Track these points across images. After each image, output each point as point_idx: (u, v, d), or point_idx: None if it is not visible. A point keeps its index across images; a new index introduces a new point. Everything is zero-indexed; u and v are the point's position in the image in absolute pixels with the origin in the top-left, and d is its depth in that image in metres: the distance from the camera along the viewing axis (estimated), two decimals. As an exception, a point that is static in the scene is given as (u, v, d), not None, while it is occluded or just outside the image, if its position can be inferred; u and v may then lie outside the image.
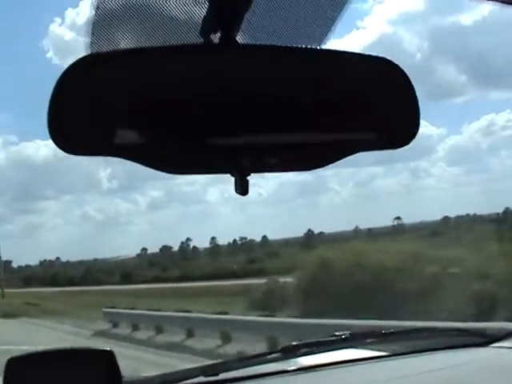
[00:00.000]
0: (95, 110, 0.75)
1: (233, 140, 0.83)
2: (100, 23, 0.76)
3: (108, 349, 1.23)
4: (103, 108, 0.75)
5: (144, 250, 64.96)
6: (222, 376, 1.76)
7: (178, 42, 0.82)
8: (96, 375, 1.19)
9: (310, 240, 49.14)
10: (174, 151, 0.82)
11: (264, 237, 57.95)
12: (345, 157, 0.92)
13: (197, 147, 0.82)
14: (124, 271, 48.82)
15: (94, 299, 26.41)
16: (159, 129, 0.78)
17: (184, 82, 0.78)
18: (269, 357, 1.95)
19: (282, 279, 18.34)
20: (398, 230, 40.36)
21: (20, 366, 1.15)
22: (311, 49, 0.92)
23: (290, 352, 1.90)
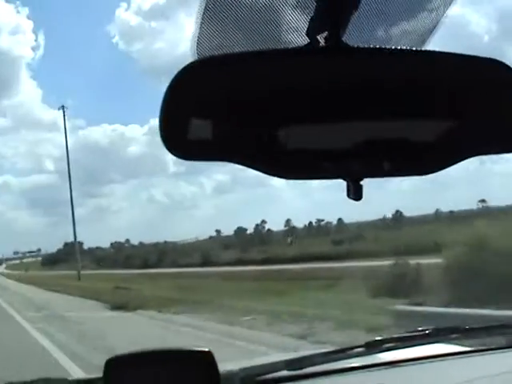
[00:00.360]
0: (206, 115, 0.76)
1: (345, 145, 0.83)
2: (206, 27, 0.78)
3: (207, 349, 1.21)
4: (214, 113, 0.76)
5: (218, 231, 64.49)
6: (306, 370, 1.77)
7: (283, 45, 0.83)
8: (195, 376, 1.18)
9: (398, 222, 47.14)
10: (285, 157, 0.82)
11: (339, 219, 56.33)
12: (461, 161, 0.90)
13: (309, 153, 0.82)
14: (202, 253, 47.64)
15: (186, 282, 24.74)
16: (270, 134, 0.78)
17: (293, 86, 0.78)
18: (352, 351, 1.91)
19: (412, 261, 16.36)
20: (482, 213, 38.10)
21: (119, 366, 1.15)
22: (418, 51, 0.89)
23: (374, 347, 1.90)
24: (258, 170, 0.83)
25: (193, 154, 0.80)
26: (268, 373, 1.73)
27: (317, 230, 59.25)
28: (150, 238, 71.74)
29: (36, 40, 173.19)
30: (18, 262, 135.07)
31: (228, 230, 67.02)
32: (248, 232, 61.25)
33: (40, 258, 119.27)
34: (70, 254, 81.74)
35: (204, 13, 0.77)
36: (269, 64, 0.77)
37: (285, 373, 1.75)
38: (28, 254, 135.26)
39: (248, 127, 0.78)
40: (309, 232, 58.91)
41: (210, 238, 66.55)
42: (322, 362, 1.83)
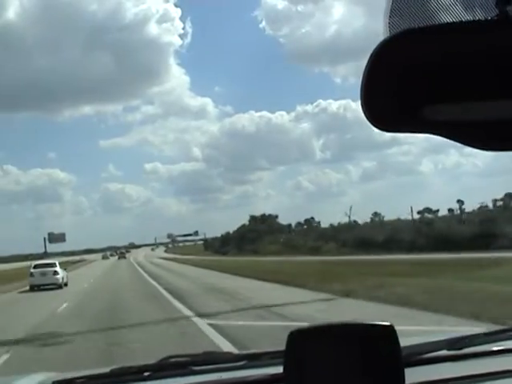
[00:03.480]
0: (405, 86, 0.78)
1: None
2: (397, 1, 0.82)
3: (388, 323, 1.21)
4: (413, 85, 0.78)
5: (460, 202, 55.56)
6: (466, 350, 1.76)
7: (470, 16, 0.81)
8: (375, 351, 1.18)
9: None
10: (487, 128, 0.81)
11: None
12: None
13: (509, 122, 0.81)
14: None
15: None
16: (471, 104, 0.78)
17: (484, 58, 0.77)
18: None
19: None
20: None
21: (300, 339, 1.19)
22: None
23: None
24: (463, 143, 0.83)
25: (395, 125, 0.82)
26: (429, 352, 1.74)
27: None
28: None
29: (184, 28, 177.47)
30: (172, 245, 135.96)
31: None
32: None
33: (199, 243, 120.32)
34: (232, 240, 77.72)
35: None
36: (461, 36, 0.77)
37: (445, 352, 1.75)
38: (181, 238, 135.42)
39: (449, 99, 0.78)
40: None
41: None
42: (484, 343, 1.81)
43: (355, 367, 1.17)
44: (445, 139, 0.85)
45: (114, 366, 1.78)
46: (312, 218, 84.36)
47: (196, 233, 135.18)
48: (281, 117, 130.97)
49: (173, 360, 1.83)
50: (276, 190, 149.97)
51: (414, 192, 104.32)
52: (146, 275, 32.19)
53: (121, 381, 1.74)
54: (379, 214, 63.83)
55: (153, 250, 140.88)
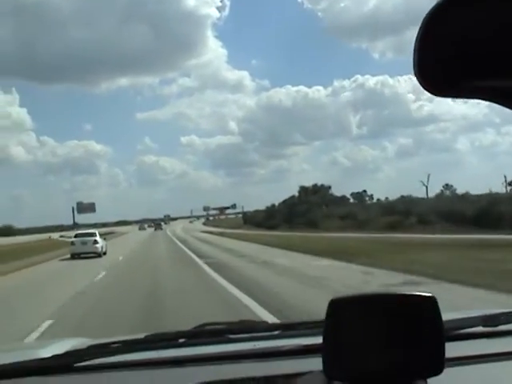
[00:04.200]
0: (459, 51, 0.76)
1: None
2: None
3: (430, 294, 1.17)
4: (467, 49, 0.75)
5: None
6: (502, 327, 1.74)
7: None
8: (418, 320, 1.15)
9: None
10: None
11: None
12: None
13: None
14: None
15: None
16: None
17: None
18: None
19: None
20: None
21: (342, 307, 1.17)
22: None
23: None
24: (507, 107, 0.81)
25: (447, 90, 0.80)
26: (463, 327, 1.74)
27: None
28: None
29: (222, 0, 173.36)
30: (213, 218, 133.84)
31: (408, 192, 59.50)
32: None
33: (239, 216, 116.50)
34: (278, 213, 71.22)
35: None
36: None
37: (480, 329, 1.74)
38: (215, 212, 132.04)
39: (500, 66, 0.75)
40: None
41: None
42: None
43: (395, 338, 1.15)
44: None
45: (148, 333, 1.79)
46: (364, 190, 77.13)
47: (234, 206, 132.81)
48: (318, 92, 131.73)
49: (208, 327, 1.87)
50: (311, 164, 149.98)
51: (449, 170, 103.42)
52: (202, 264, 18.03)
53: (156, 347, 1.74)
54: (451, 187, 56.32)
55: (191, 222, 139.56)
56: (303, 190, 76.69)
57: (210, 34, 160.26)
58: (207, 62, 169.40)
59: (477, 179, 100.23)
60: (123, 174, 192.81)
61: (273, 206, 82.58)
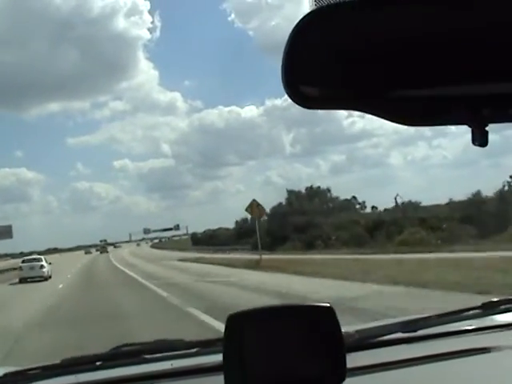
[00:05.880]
0: (328, 61, 0.76)
1: (473, 88, 0.80)
2: None
3: (328, 304, 1.17)
4: (336, 60, 0.76)
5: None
6: (420, 332, 1.78)
7: None
8: (316, 331, 1.15)
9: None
10: (410, 103, 0.81)
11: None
12: None
13: (434, 98, 0.80)
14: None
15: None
16: (391, 80, 0.78)
17: (418, 31, 0.76)
18: (468, 313, 1.91)
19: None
20: None
21: (239, 321, 1.16)
22: None
23: (490, 308, 1.89)
24: (386, 119, 0.81)
25: (319, 103, 0.79)
26: (383, 334, 1.75)
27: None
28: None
29: (152, 21, 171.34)
30: (159, 240, 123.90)
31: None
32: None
33: (184, 238, 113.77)
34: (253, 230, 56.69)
35: None
36: (390, 9, 0.75)
37: (400, 335, 1.76)
38: (161, 234, 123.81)
39: (373, 74, 0.76)
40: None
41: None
42: (437, 324, 1.83)
43: (296, 350, 1.14)
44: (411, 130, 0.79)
45: (64, 357, 1.77)
46: (354, 197, 62.47)
47: (177, 227, 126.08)
48: (250, 111, 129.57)
49: (124, 349, 1.85)
50: (246, 184, 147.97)
51: (383, 184, 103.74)
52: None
53: (73, 371, 1.73)
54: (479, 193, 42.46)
55: (138, 245, 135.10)
56: (293, 194, 57.84)
57: (141, 55, 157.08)
58: (139, 84, 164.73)
59: (411, 193, 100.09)
60: (56, 201, 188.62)
61: (244, 220, 66.45)
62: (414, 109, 0.81)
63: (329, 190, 58.95)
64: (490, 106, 0.81)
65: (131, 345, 1.86)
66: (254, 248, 43.05)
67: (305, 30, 0.74)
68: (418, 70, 0.76)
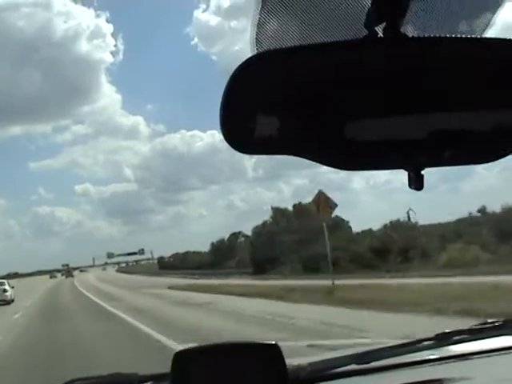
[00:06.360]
0: (268, 109, 0.77)
1: (406, 135, 0.83)
2: (264, 20, 0.79)
3: (273, 342, 1.21)
4: (275, 107, 0.77)
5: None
6: (374, 364, 1.75)
7: (341, 36, 0.83)
8: (261, 369, 1.17)
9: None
10: (343, 148, 0.82)
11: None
12: None
13: (371, 144, 0.82)
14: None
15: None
16: (328, 125, 0.79)
17: (353, 78, 0.79)
18: (422, 344, 1.88)
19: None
20: None
21: (187, 359, 1.16)
22: (479, 38, 0.87)
23: (443, 339, 1.88)
24: (322, 163, 0.81)
25: (256, 148, 0.79)
26: (336, 367, 1.73)
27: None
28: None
29: (115, 45, 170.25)
30: (126, 265, 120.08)
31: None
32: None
33: (151, 262, 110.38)
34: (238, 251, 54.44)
35: (262, 7, 0.76)
36: (327, 56, 0.76)
37: (353, 366, 1.74)
38: (126, 258, 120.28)
39: (309, 120, 0.77)
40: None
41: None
42: (391, 356, 1.81)
43: None
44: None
45: None
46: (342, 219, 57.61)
47: (142, 251, 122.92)
48: (212, 136, 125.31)
49: (78, 382, 1.81)
50: (208, 209, 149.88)
51: (347, 208, 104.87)
52: None
53: None
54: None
55: (104, 269, 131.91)
56: (278, 212, 52.65)
57: (103, 79, 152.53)
58: (101, 108, 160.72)
59: (373, 217, 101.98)
60: (17, 225, 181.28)
61: (221, 241, 61.71)
62: (349, 153, 0.81)
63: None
64: (424, 151, 0.83)
65: (84, 379, 1.82)
66: (242, 269, 38.15)
67: (245, 74, 0.74)
68: (355, 116, 0.77)
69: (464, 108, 0.82)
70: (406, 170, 0.85)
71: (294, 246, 41.48)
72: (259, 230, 50.83)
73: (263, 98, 0.75)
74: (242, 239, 62.64)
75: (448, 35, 0.83)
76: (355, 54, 0.77)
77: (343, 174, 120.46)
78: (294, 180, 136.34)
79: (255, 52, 0.77)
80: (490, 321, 1.92)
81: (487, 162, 0.91)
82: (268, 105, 0.75)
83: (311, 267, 35.11)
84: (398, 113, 0.79)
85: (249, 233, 56.53)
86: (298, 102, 0.76)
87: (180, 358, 1.15)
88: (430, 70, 0.80)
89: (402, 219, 38.33)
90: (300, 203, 52.33)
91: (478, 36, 0.86)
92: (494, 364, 1.80)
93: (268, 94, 0.76)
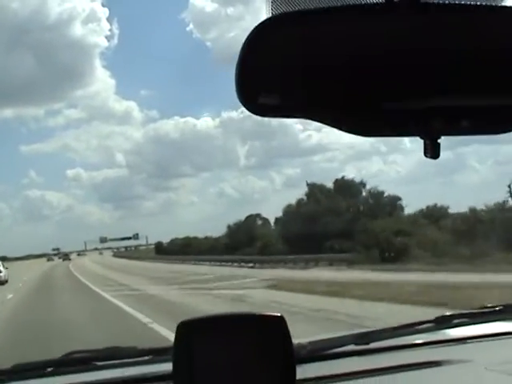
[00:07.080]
0: (280, 71, 0.78)
1: (424, 102, 0.83)
2: None
3: (279, 314, 1.18)
4: (288, 69, 0.77)
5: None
6: (373, 345, 1.77)
7: (358, 1, 0.80)
8: (267, 341, 1.15)
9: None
10: (361, 113, 0.83)
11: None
12: None
13: (387, 110, 0.82)
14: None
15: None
16: (344, 91, 0.79)
17: (367, 43, 0.78)
18: (421, 327, 1.91)
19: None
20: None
21: (190, 330, 1.15)
22: (502, 7, 0.84)
23: (443, 322, 1.91)
24: (334, 127, 0.82)
25: (268, 110, 0.80)
26: (336, 347, 1.74)
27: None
28: (218, 232, 59.95)
29: (110, 29, 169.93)
30: (125, 249, 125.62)
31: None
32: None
33: (151, 247, 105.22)
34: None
35: None
36: (345, 20, 0.76)
37: (352, 347, 1.75)
38: (119, 243, 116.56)
39: (326, 85, 0.77)
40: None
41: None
42: (390, 337, 1.83)
43: (246, 359, 1.14)
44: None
45: (16, 362, 1.76)
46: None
47: (136, 236, 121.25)
48: (206, 122, 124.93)
49: (76, 355, 1.83)
50: (200, 196, 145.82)
51: None
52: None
53: (23, 377, 1.72)
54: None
55: (101, 253, 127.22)
56: (316, 188, 44.68)
57: (97, 63, 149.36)
58: (95, 92, 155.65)
59: None
60: (7, 208, 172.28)
61: (237, 224, 55.88)
62: (368, 120, 0.82)
63: (363, 185, 45.44)
64: (441, 119, 0.83)
65: (83, 351, 1.85)
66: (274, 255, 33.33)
67: (260, 37, 0.74)
68: (373, 82, 0.77)
69: (484, 77, 0.81)
70: (422, 138, 0.85)
71: (337, 230, 36.14)
72: (293, 210, 44.44)
73: (281, 60, 0.75)
74: (260, 222, 57.21)
75: (470, 2, 0.81)
76: (375, 18, 0.76)
77: (336, 163, 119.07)
78: (286, 169, 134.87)
79: (270, 13, 0.75)
80: (490, 305, 1.95)
81: (505, 132, 0.90)
82: (283, 68, 0.75)
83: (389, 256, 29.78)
84: (413, 81, 0.79)
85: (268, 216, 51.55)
86: (314, 65, 0.75)
87: (183, 328, 1.13)
88: (449, 38, 0.79)
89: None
90: (343, 177, 47.13)
91: (501, 4, 0.82)
92: (493, 348, 1.80)
93: (283, 57, 0.75)
